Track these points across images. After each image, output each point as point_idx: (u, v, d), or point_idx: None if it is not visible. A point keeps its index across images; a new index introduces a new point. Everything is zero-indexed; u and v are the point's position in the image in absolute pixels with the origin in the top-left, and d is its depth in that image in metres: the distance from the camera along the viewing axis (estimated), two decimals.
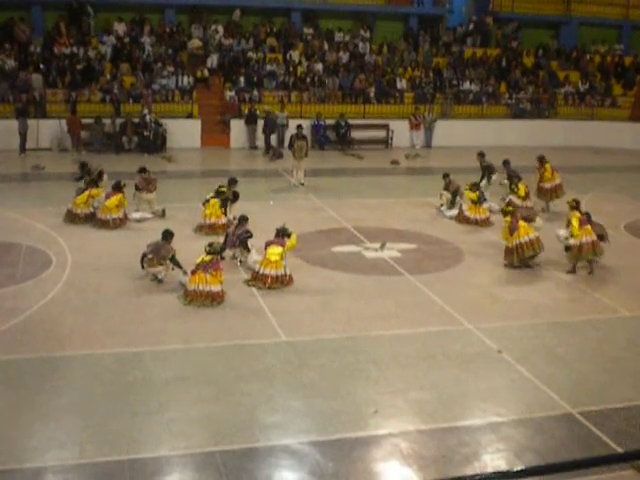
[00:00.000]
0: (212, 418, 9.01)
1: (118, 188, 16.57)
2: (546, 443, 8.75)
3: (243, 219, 14.59)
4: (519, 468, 7.70)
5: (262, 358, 10.59)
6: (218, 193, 16.37)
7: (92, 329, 11.25)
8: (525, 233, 14.61)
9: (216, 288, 12.40)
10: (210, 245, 12.81)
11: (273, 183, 22.09)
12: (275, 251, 13.29)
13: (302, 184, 21.30)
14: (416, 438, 8.77)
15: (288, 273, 13.33)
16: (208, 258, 12.55)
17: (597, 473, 7.27)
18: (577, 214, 14.65)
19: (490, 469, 8.23)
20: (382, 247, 15.71)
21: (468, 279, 14.23)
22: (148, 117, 25.75)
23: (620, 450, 8.55)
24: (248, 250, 14.08)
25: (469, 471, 8.09)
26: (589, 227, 14.44)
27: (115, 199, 16.40)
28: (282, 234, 13.62)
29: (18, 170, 23.03)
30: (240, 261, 14.23)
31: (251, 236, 14.19)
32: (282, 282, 13.22)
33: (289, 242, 13.63)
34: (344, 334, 11.50)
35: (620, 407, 9.62)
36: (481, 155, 20.28)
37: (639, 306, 13.20)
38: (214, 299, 12.35)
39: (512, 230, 14.69)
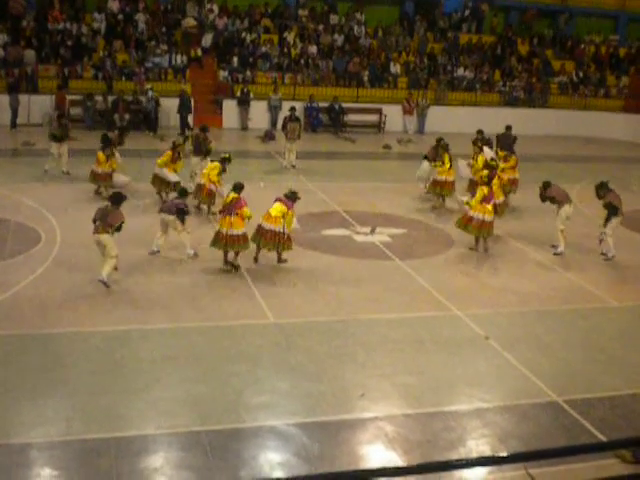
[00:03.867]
0: (199, 398, 9.01)
1: (173, 146, 17.00)
2: (531, 430, 8.80)
3: (183, 192, 13.91)
4: (503, 454, 7.76)
5: (250, 339, 10.60)
6: (222, 160, 16.07)
7: (80, 306, 11.22)
8: (444, 173, 17.68)
9: (238, 231, 12.72)
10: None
11: (265, 165, 22.04)
12: (278, 207, 13.05)
13: (294, 166, 21.26)
14: (402, 422, 8.81)
15: (287, 233, 13.10)
16: (230, 198, 12.88)
17: (581, 461, 7.33)
18: (484, 190, 14.72)
19: (474, 454, 8.29)
20: (372, 231, 15.72)
21: (457, 265, 14.27)
22: (150, 93, 25.77)
23: (604, 439, 8.62)
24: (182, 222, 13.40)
25: (454, 456, 8.14)
26: (490, 207, 14.59)
27: (165, 156, 16.72)
28: (292, 198, 13.28)
29: (8, 146, 22.86)
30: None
31: (187, 209, 13.50)
32: (279, 240, 13.02)
33: (274, 211, 13.07)
34: (333, 317, 11.52)
35: (606, 396, 9.68)
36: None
37: (628, 296, 13.29)
38: (238, 242, 12.75)
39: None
